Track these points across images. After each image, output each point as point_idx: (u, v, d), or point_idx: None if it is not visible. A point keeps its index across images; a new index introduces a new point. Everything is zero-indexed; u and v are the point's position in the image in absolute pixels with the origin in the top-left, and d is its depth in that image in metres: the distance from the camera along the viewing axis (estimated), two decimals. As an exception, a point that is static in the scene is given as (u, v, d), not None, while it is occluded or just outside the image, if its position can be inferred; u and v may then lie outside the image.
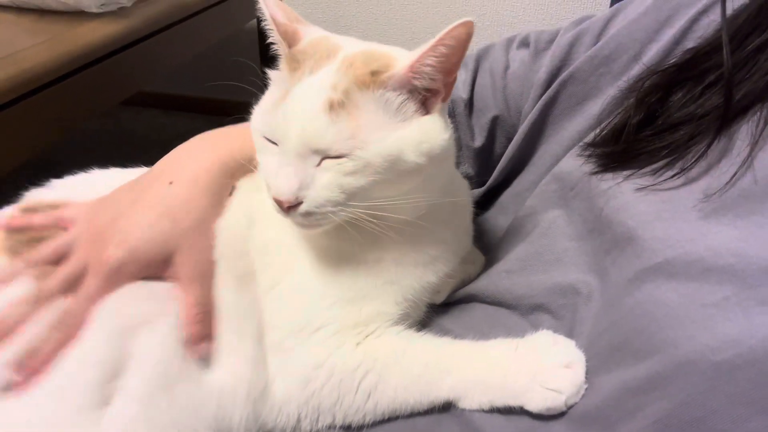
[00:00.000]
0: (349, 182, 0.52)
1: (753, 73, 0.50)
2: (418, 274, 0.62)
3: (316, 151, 0.52)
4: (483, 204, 0.81)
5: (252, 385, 0.57)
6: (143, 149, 0.64)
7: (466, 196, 0.71)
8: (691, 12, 0.61)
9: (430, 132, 0.55)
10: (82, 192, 0.63)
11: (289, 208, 0.52)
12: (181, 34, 1.41)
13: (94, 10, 1.15)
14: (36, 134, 1.00)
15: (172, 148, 0.67)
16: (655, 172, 0.53)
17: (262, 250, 0.62)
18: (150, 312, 0.55)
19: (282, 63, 0.58)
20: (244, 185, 0.65)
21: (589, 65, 0.68)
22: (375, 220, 0.54)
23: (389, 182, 0.53)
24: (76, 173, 0.67)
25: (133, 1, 1.22)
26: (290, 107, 0.53)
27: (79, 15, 1.14)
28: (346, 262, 0.60)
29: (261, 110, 0.58)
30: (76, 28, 1.10)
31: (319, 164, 0.52)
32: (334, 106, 0.51)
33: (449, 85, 0.55)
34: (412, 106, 0.54)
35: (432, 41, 0.51)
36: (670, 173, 0.51)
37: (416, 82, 0.53)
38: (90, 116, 1.17)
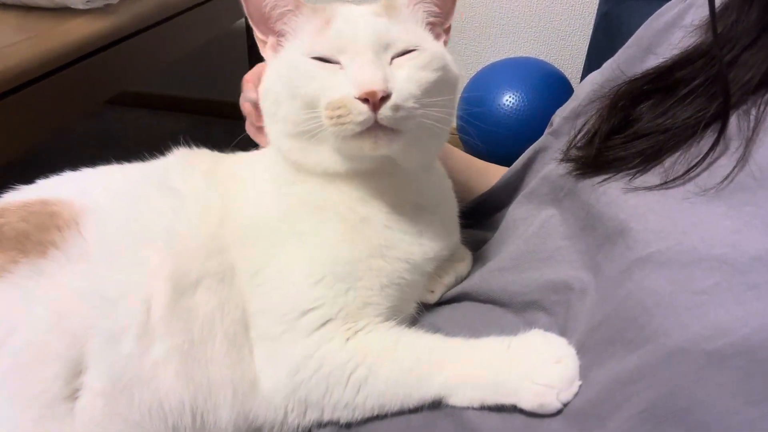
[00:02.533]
0: (423, 76, 0.57)
1: (741, 72, 0.51)
2: (405, 244, 0.62)
3: (387, 46, 0.57)
4: (476, 219, 0.82)
5: (236, 384, 0.57)
6: (129, 149, 0.63)
7: (449, 188, 0.74)
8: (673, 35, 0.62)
9: (450, 57, 0.63)
10: (69, 191, 0.62)
11: (381, 100, 0.52)
12: (168, 33, 1.39)
13: (80, 6, 1.14)
14: (20, 132, 0.99)
15: (158, 148, 0.66)
16: (631, 176, 0.54)
17: (241, 240, 0.61)
18: (101, 317, 0.54)
19: (302, 12, 0.62)
20: (216, 175, 0.65)
21: (590, 98, 0.69)
22: (438, 126, 0.57)
23: (442, 86, 0.59)
24: (61, 172, 0.66)
25: (119, -2, 1.21)
26: (350, 15, 0.60)
27: (64, 12, 1.13)
28: (334, 229, 0.60)
29: (301, 43, 0.60)
30: (61, 24, 1.08)
31: (390, 63, 0.57)
32: (386, 13, 0.61)
33: (446, 30, 0.66)
34: (431, 33, 0.64)
35: None
36: (655, 181, 0.52)
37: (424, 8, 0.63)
38: (75, 115, 1.16)
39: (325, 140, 0.57)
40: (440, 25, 0.65)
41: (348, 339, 0.58)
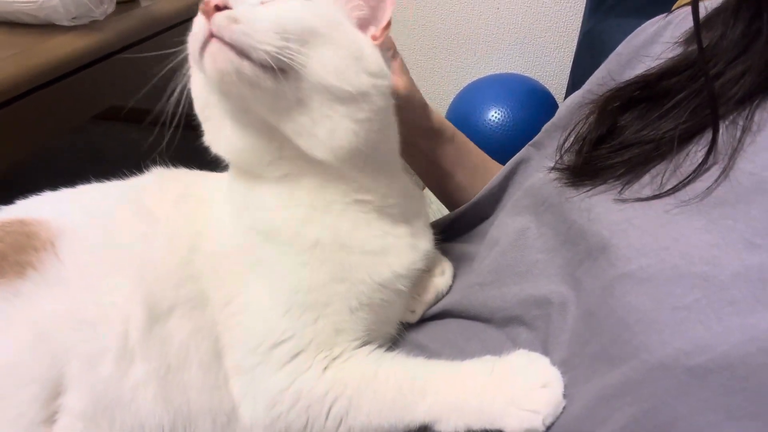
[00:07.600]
0: (292, 14, 0.51)
1: (727, 85, 0.51)
2: (367, 265, 0.59)
3: None
4: (457, 231, 0.82)
5: (215, 412, 0.56)
6: (115, 165, 0.62)
7: (419, 197, 0.72)
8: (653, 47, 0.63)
9: (380, 57, 0.58)
10: (46, 211, 0.60)
11: (217, 9, 0.48)
12: (155, 49, 1.39)
13: (66, 23, 1.13)
14: (3, 150, 0.98)
15: (144, 164, 0.65)
16: (620, 187, 0.54)
17: (212, 268, 0.59)
18: (80, 339, 0.53)
19: None
20: (189, 199, 0.64)
21: (573, 109, 0.69)
22: (334, 90, 0.52)
23: (330, 42, 0.53)
24: (44, 191, 0.65)
25: (105, 14, 1.21)
26: None
27: (49, 28, 1.12)
28: (289, 255, 0.58)
29: None
30: (46, 41, 1.08)
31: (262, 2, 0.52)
32: None
33: (381, 31, 0.60)
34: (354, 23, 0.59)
35: None
36: (647, 191, 0.52)
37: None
38: (60, 131, 1.15)
39: (215, 104, 0.59)
40: (371, 24, 0.61)
41: (325, 368, 0.56)
